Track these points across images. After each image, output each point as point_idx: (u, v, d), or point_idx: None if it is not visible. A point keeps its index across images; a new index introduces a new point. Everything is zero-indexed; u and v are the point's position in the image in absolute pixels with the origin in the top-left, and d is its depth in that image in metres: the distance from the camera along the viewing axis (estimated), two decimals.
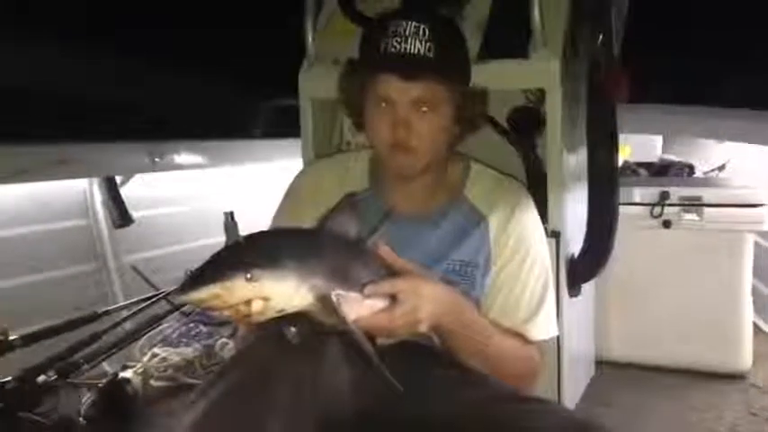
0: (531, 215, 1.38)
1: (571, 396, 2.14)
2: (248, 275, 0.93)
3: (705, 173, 3.37)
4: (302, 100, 2.18)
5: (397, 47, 1.22)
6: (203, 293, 0.93)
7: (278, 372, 1.09)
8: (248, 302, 0.94)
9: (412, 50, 1.22)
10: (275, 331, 1.07)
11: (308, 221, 1.18)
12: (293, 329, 1.07)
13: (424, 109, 1.25)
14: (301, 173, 1.52)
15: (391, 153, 1.29)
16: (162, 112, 2.58)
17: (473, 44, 1.83)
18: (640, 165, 3.31)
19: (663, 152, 3.93)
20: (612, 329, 2.58)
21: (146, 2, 2.36)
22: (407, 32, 1.22)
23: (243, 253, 0.98)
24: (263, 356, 1.11)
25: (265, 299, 0.95)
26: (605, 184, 1.90)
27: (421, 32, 1.22)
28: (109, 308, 2.35)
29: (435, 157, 1.31)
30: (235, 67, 2.94)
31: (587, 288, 2.21)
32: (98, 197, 2.73)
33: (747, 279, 2.46)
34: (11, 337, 2.01)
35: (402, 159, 1.29)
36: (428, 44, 1.22)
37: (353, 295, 1.04)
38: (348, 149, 2.21)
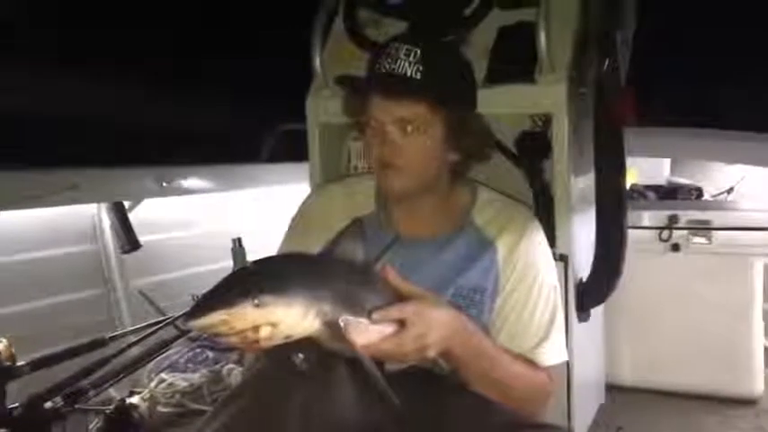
0: (538, 240, 1.38)
1: (581, 422, 2.12)
2: (256, 301, 0.93)
3: (713, 195, 3.36)
4: (310, 124, 2.19)
5: (387, 67, 1.26)
6: (211, 319, 0.92)
7: (286, 399, 1.09)
8: (256, 328, 0.94)
9: (399, 71, 1.25)
10: (283, 358, 1.07)
11: (316, 245, 1.18)
12: (301, 356, 1.07)
13: (410, 129, 1.26)
14: (309, 197, 1.53)
15: (380, 172, 1.31)
16: (170, 136, 2.59)
17: (479, 69, 1.85)
18: (648, 187, 3.30)
19: (671, 174, 3.93)
20: (622, 354, 2.56)
21: (154, 27, 2.38)
22: (399, 54, 1.25)
23: (250, 279, 0.98)
24: (271, 383, 1.11)
25: (273, 325, 0.95)
26: (614, 207, 1.89)
27: (412, 55, 1.24)
28: (116, 333, 2.35)
29: (425, 177, 1.31)
30: (243, 90, 2.95)
31: (596, 312, 2.19)
32: (106, 222, 2.74)
33: (758, 303, 2.45)
34: (19, 363, 2.00)
35: (389, 179, 1.30)
36: (417, 66, 1.24)
37: (361, 321, 1.04)
38: (355, 173, 2.22)
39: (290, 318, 0.96)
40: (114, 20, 2.22)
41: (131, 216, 2.74)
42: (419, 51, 1.25)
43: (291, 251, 1.38)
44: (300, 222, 1.47)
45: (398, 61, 1.25)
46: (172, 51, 2.42)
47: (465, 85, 1.36)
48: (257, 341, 0.95)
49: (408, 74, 1.24)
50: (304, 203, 1.50)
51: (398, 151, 1.27)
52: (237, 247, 2.43)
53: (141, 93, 2.43)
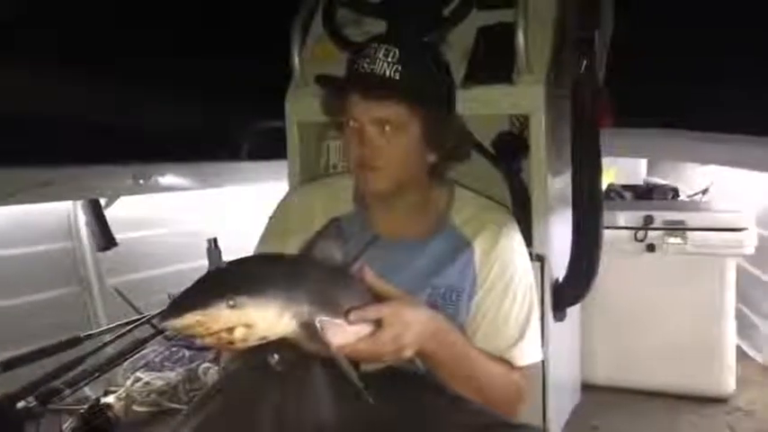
0: (515, 240, 1.39)
1: (556, 421, 2.13)
2: (231, 302, 0.92)
3: (689, 196, 3.40)
4: (288, 123, 2.19)
5: (365, 68, 1.26)
6: (185, 320, 0.92)
7: (261, 400, 1.08)
8: (231, 330, 0.93)
9: (377, 71, 1.25)
10: (259, 359, 1.07)
11: (294, 245, 1.18)
12: (276, 357, 1.07)
13: (388, 129, 1.27)
14: (288, 196, 1.52)
15: (358, 172, 1.31)
16: (147, 133, 2.56)
17: (458, 70, 1.86)
18: (625, 187, 3.34)
19: (647, 175, 3.97)
20: (598, 353, 2.58)
21: (130, 25, 2.35)
22: (378, 55, 1.26)
23: (226, 280, 0.98)
24: (247, 385, 1.11)
25: (248, 326, 0.94)
26: (590, 208, 1.91)
27: (391, 55, 1.25)
28: (91, 332, 2.33)
29: (403, 178, 1.31)
30: (221, 87, 2.93)
31: (572, 312, 2.21)
32: (81, 219, 2.71)
33: (731, 302, 2.48)
34: None
35: (367, 178, 1.30)
36: (395, 66, 1.25)
37: (338, 322, 1.03)
38: (335, 172, 2.21)
39: (265, 319, 0.96)
40: (87, 18, 2.19)
41: (107, 213, 2.72)
42: (398, 52, 1.25)
43: (269, 251, 1.38)
44: (278, 222, 1.46)
45: (377, 62, 1.25)
46: (150, 49, 2.39)
47: (443, 86, 1.36)
48: (232, 342, 0.95)
49: (387, 74, 1.25)
50: (282, 202, 1.49)
51: (377, 152, 1.27)
52: (213, 248, 2.41)
53: (117, 89, 2.41)
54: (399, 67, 1.25)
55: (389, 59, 1.25)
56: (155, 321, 2.21)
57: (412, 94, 1.26)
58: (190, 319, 0.91)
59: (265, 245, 1.43)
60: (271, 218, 1.48)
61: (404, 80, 1.25)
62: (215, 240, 2.43)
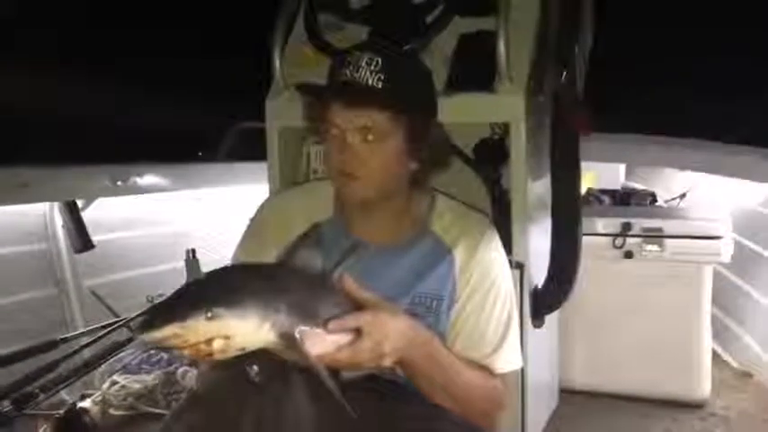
0: (495, 247, 1.39)
1: (534, 426, 2.15)
2: (209, 314, 0.92)
3: (667, 201, 3.43)
4: (269, 127, 2.17)
5: (348, 75, 1.25)
6: (163, 333, 0.91)
7: (240, 412, 1.08)
8: (209, 341, 0.93)
9: (360, 80, 1.24)
10: (237, 369, 1.06)
11: (273, 251, 1.17)
12: (255, 368, 1.06)
13: (371, 137, 1.26)
14: (267, 201, 1.51)
15: (339, 180, 1.31)
16: (125, 134, 2.55)
17: (440, 78, 1.86)
18: (604, 192, 3.36)
19: (626, 179, 4.00)
20: (576, 359, 2.60)
21: (111, 26, 2.34)
22: (360, 63, 1.25)
23: (204, 291, 0.97)
24: (225, 396, 1.10)
25: (227, 337, 0.94)
26: (569, 216, 1.92)
27: (374, 64, 1.24)
28: (67, 335, 2.30)
29: (385, 186, 1.31)
30: (201, 89, 2.92)
31: (551, 318, 2.22)
32: (58, 221, 2.68)
33: (706, 308, 2.51)
34: None
35: (348, 187, 1.29)
36: (378, 75, 1.24)
37: (317, 331, 1.03)
38: (315, 177, 2.21)
39: (244, 330, 0.95)
40: (68, 19, 2.18)
41: (84, 215, 2.69)
42: (381, 60, 1.25)
43: (248, 254, 1.38)
44: (257, 228, 1.45)
45: (360, 70, 1.24)
46: (128, 49, 2.38)
47: (426, 95, 1.36)
48: (211, 354, 0.94)
49: (370, 83, 1.24)
50: (261, 208, 1.48)
51: (358, 160, 1.27)
52: (191, 259, 2.39)
53: (95, 90, 2.39)
54: (382, 76, 1.24)
55: (372, 68, 1.24)
56: (132, 329, 2.19)
57: (394, 103, 1.26)
58: (167, 331, 0.91)
59: (244, 250, 1.42)
60: (250, 224, 1.47)
61: (386, 89, 1.24)
62: (193, 251, 2.41)
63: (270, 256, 1.19)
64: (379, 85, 1.24)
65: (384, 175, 1.29)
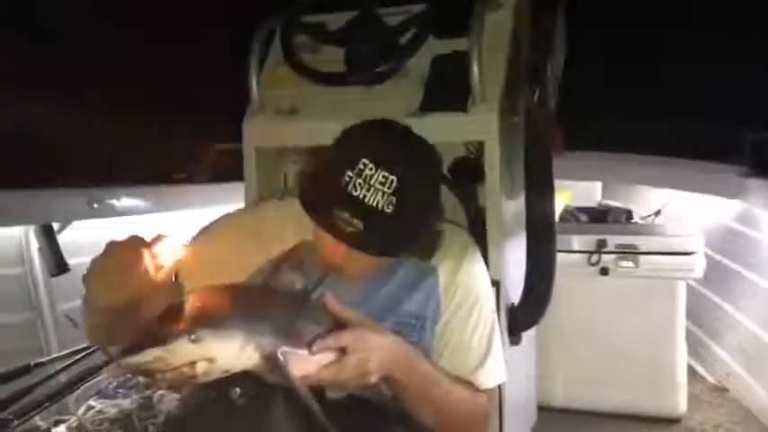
0: (477, 264, 1.40)
1: None
2: (192, 337, 0.92)
3: (643, 217, 3.47)
4: (246, 148, 2.17)
5: (358, 190, 1.13)
6: (145, 356, 0.91)
7: None
8: (192, 364, 0.93)
9: (369, 200, 1.12)
10: (220, 392, 1.06)
11: (273, 252, 1.18)
12: (238, 391, 1.06)
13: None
14: (267, 202, 1.49)
15: (324, 266, 1.23)
16: (102, 157, 2.53)
17: (414, 97, 1.88)
18: (581, 210, 3.39)
19: (602, 197, 4.04)
20: (554, 375, 2.62)
21: (90, 48, 2.34)
22: (373, 182, 1.12)
23: (186, 314, 0.97)
24: (207, 420, 1.09)
25: (210, 360, 0.94)
26: (544, 233, 1.94)
27: (387, 184, 1.13)
28: (42, 360, 2.27)
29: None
30: (177, 110, 2.91)
31: (528, 335, 2.23)
32: (34, 244, 2.65)
33: (681, 323, 2.54)
34: None
35: (333, 271, 1.22)
36: (390, 198, 1.13)
37: (300, 352, 1.04)
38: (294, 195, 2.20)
39: (227, 352, 0.96)
40: (47, 40, 2.17)
41: (60, 238, 2.66)
42: (395, 181, 1.12)
43: (243, 256, 1.29)
44: (258, 226, 1.37)
45: (371, 189, 1.12)
46: (108, 71, 2.38)
47: (432, 219, 1.30)
48: (194, 377, 0.94)
49: (379, 206, 1.12)
50: (264, 208, 1.47)
51: (348, 259, 1.20)
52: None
53: (71, 112, 2.38)
54: (394, 200, 1.12)
55: (385, 189, 1.12)
56: (113, 354, 2.16)
57: (399, 244, 1.20)
58: (150, 354, 0.91)
59: (241, 247, 1.32)
60: (246, 215, 1.48)
61: (394, 219, 1.14)
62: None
63: (268, 255, 1.19)
64: (389, 210, 1.13)
65: (372, 266, 1.26)
